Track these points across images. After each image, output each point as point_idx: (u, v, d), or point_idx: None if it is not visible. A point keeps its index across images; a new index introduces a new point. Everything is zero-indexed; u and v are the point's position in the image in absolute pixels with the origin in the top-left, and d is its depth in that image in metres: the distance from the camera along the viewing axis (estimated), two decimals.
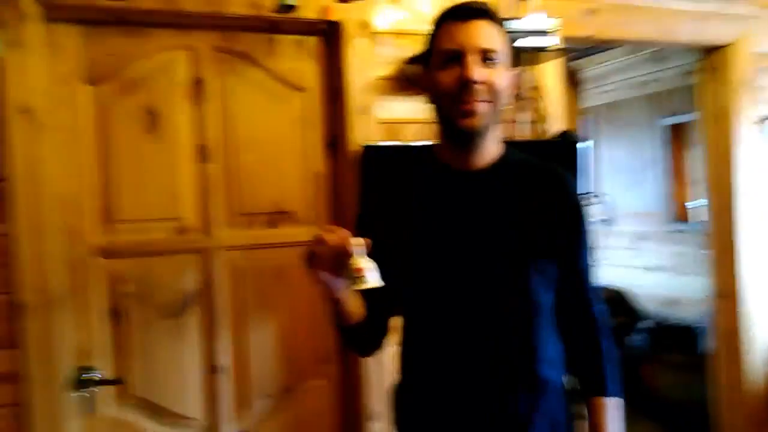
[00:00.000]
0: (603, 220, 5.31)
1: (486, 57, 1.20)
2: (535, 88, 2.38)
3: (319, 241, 1.10)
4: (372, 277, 1.08)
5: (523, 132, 2.34)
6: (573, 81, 3.35)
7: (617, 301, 5.00)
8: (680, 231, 4.70)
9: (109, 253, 1.88)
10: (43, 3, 1.73)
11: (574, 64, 4.53)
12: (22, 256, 1.69)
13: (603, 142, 5.43)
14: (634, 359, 4.34)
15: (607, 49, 4.63)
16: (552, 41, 2.08)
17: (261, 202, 2.07)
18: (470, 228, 1.26)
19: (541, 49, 2.12)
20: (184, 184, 1.98)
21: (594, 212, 5.33)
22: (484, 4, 1.25)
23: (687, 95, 3.87)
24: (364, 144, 2.03)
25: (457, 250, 1.26)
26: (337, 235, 1.10)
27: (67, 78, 1.84)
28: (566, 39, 2.36)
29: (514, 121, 2.33)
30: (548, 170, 1.34)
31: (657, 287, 4.89)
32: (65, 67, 1.84)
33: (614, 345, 1.38)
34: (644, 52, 4.67)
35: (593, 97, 5.36)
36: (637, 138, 5.09)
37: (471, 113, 1.19)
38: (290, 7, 1.77)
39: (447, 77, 1.20)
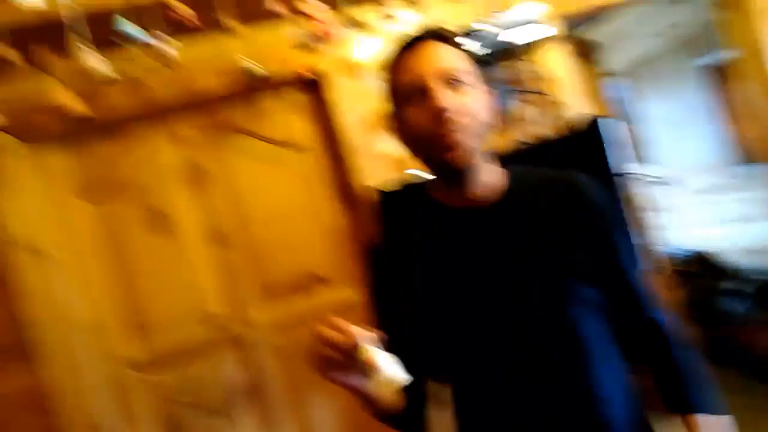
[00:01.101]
0: (663, 181, 4.98)
1: (451, 79, 1.05)
2: (542, 79, 2.19)
3: (322, 340, 0.96)
4: (392, 373, 0.93)
5: (540, 129, 2.16)
6: (585, 50, 3.12)
7: (701, 263, 4.64)
8: (749, 174, 4.33)
9: (147, 365, 1.84)
10: (18, 133, 1.70)
11: (582, 30, 4.27)
12: (62, 397, 1.64)
13: (645, 100, 5.11)
14: (736, 322, 3.99)
15: (615, 7, 4.35)
16: (548, 31, 1.91)
17: (287, 272, 1.98)
18: (489, 273, 1.11)
19: (538, 41, 1.96)
20: (205, 275, 1.91)
21: (651, 174, 5.01)
22: (434, 26, 1.11)
23: (722, 30, 3.57)
24: (379, 189, 1.90)
25: (481, 300, 1.10)
26: (341, 331, 0.96)
27: (64, 199, 1.82)
28: (565, 18, 2.19)
29: (524, 120, 2.15)
30: (563, 182, 1.16)
31: (739, 239, 4.51)
32: (60, 189, 1.82)
33: (693, 353, 1.18)
34: None
35: (618, 58, 5.06)
36: (677, 87, 4.76)
37: (452, 146, 1.04)
38: (254, 75, 1.67)
39: (415, 114, 1.05)
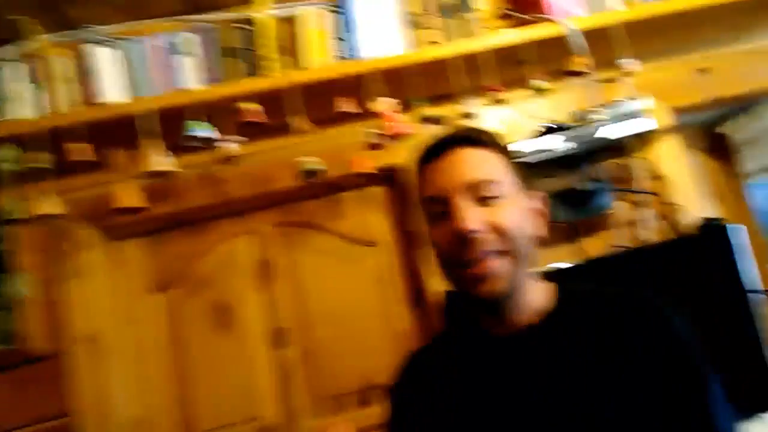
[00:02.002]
0: None
1: (480, 194, 0.90)
2: (655, 178, 1.94)
3: None
4: None
5: (650, 234, 1.89)
6: (722, 149, 2.81)
7: None
8: None
9: None
10: (102, 227, 1.77)
11: (725, 127, 3.85)
12: None
13: None
14: None
15: (762, 100, 3.91)
16: (649, 123, 1.70)
17: (347, 379, 1.84)
18: (521, 410, 0.91)
19: (641, 134, 1.75)
20: (261, 376, 1.83)
21: None
22: (466, 128, 0.98)
23: None
24: (448, 291, 1.74)
25: None
26: None
27: (133, 293, 1.84)
28: (678, 110, 1.96)
29: (634, 224, 1.90)
30: (629, 304, 0.92)
31: None
32: (131, 283, 1.84)
33: None
34: None
35: (765, 155, 4.51)
36: None
37: (482, 277, 0.89)
38: (313, 173, 1.62)
39: (439, 234, 0.92)
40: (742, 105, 3.78)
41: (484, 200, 0.90)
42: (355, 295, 1.90)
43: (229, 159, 1.63)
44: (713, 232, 1.75)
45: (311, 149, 1.69)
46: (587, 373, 0.87)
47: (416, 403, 1.02)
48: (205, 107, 1.62)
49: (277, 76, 1.64)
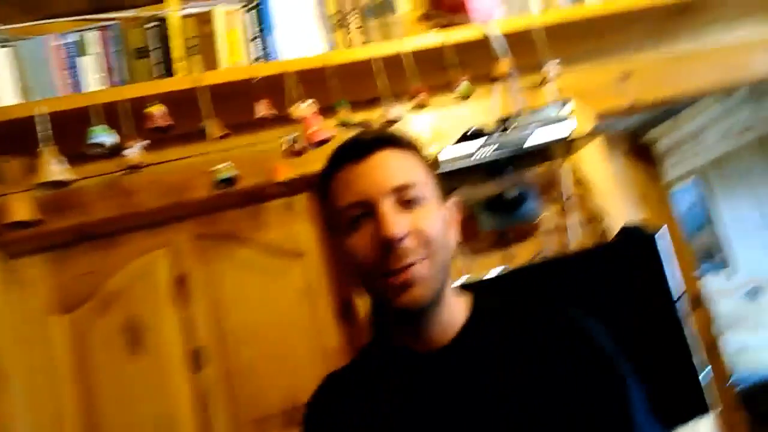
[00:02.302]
0: (744, 293, 4.45)
1: (404, 198, 0.84)
2: (580, 183, 1.94)
3: None
4: None
5: (577, 240, 1.88)
6: (646, 155, 2.87)
7: None
8: None
9: None
10: None
11: (650, 134, 3.99)
12: None
13: (721, 204, 4.69)
14: None
15: (687, 107, 4.06)
16: (570, 126, 1.69)
17: (272, 400, 1.73)
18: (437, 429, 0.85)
19: (565, 139, 1.73)
20: (178, 402, 1.70)
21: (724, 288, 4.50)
22: (384, 130, 0.92)
23: None
24: (373, 304, 1.67)
25: None
26: None
27: (33, 315, 1.68)
28: (600, 115, 1.97)
29: (565, 230, 1.89)
30: (547, 317, 0.89)
31: None
32: (31, 304, 1.69)
33: None
34: (738, 93, 4.04)
35: (692, 160, 4.70)
36: (756, 189, 4.33)
37: (406, 285, 0.83)
38: (229, 181, 1.52)
39: (360, 242, 0.85)
40: (664, 111, 3.92)
41: (407, 205, 0.84)
42: (280, 310, 1.80)
43: (138, 167, 1.51)
44: (639, 237, 1.75)
45: (229, 156, 1.59)
46: (508, 388, 0.83)
47: (334, 429, 0.95)
48: (110, 111, 1.49)
49: (188, 78, 1.54)
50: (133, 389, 1.68)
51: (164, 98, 1.49)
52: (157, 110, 1.46)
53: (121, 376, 1.68)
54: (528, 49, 1.73)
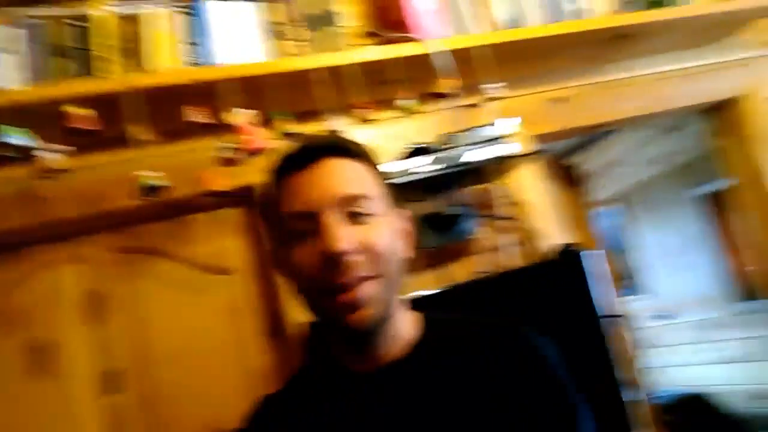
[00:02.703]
0: (659, 316, 4.66)
1: (351, 210, 0.79)
2: (515, 204, 1.95)
3: None
4: None
5: (511, 259, 1.89)
6: (574, 177, 2.96)
7: (699, 407, 4.19)
8: (749, 312, 4.00)
9: None
10: None
11: (576, 158, 4.15)
12: None
13: (637, 229, 4.90)
14: None
15: (610, 134, 4.24)
16: (513, 148, 1.70)
17: (195, 427, 1.62)
18: None
19: (503, 159, 1.74)
20: (88, 428, 1.56)
21: (640, 313, 4.70)
22: (333, 137, 0.87)
23: (715, 159, 3.42)
24: (311, 322, 1.60)
25: None
26: None
27: None
28: (537, 138, 1.99)
29: (497, 250, 1.89)
30: (498, 334, 0.86)
31: (739, 381, 4.11)
32: None
33: None
34: (658, 123, 4.25)
35: (612, 185, 4.91)
36: (673, 216, 4.56)
37: (353, 305, 0.77)
38: (155, 190, 1.42)
39: (305, 255, 0.79)
40: (591, 137, 4.08)
41: (355, 218, 0.79)
42: (206, 329, 1.70)
43: (52, 172, 1.38)
44: (569, 257, 1.77)
45: (155, 164, 1.47)
46: (457, 406, 0.80)
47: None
48: (25, 111, 1.37)
49: (114, 79, 1.43)
50: (36, 415, 1.52)
51: (87, 100, 1.38)
52: (80, 111, 1.35)
53: (25, 400, 1.53)
54: (468, 69, 1.73)
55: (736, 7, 2.02)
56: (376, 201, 0.82)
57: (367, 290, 0.78)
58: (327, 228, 0.77)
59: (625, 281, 4.99)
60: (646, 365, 2.71)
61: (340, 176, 0.80)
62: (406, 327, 0.87)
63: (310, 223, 0.78)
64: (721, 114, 2.33)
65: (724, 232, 4.21)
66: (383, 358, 0.84)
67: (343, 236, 0.76)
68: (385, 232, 0.81)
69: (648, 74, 2.19)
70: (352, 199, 0.79)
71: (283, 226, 0.82)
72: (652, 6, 1.96)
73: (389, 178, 0.92)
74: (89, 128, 1.37)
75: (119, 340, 1.63)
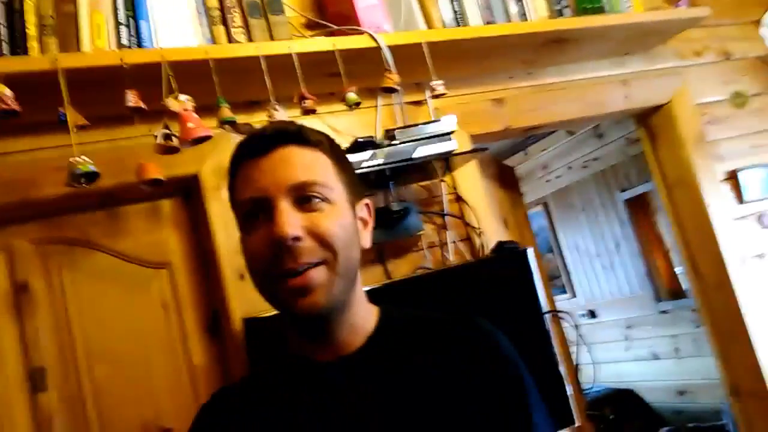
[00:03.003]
0: (582, 315, 4.84)
1: (302, 196, 0.80)
2: (459, 200, 1.97)
3: None
4: None
5: (455, 255, 1.90)
6: (509, 180, 3.04)
7: (626, 402, 4.39)
8: (672, 309, 4.22)
9: None
10: None
11: (509, 161, 4.27)
12: None
13: (563, 231, 5.08)
14: None
15: (540, 139, 4.38)
16: (451, 145, 1.71)
17: (129, 425, 1.55)
18: None
19: (447, 155, 1.75)
20: (16, 429, 1.46)
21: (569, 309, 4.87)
22: (292, 124, 0.86)
23: (640, 164, 3.58)
24: (245, 317, 1.56)
25: None
26: None
27: None
28: (476, 137, 2.02)
29: (444, 245, 1.90)
30: (454, 326, 0.89)
31: (662, 377, 4.33)
32: None
33: None
34: (582, 131, 4.42)
35: (541, 188, 5.07)
36: (597, 219, 4.75)
37: (302, 290, 0.78)
38: (87, 177, 1.33)
39: (256, 241, 0.80)
40: (526, 140, 4.19)
41: (306, 204, 0.80)
42: (140, 324, 1.62)
43: None
44: (511, 255, 1.81)
45: (85, 150, 1.38)
46: (415, 397, 0.81)
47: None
48: None
49: (45, 58, 1.35)
50: None
51: (12, 80, 1.28)
52: (5, 91, 1.26)
53: None
54: (412, 66, 1.73)
55: (667, 17, 2.12)
56: (333, 190, 0.83)
57: (316, 276, 0.78)
58: (276, 214, 0.77)
59: (552, 281, 5.15)
60: (578, 362, 2.80)
61: (293, 163, 0.81)
62: (365, 317, 0.88)
63: (262, 210, 0.79)
64: (650, 119, 2.44)
65: (647, 234, 4.42)
66: (343, 348, 0.85)
67: (291, 222, 0.77)
68: (336, 220, 0.81)
69: (582, 79, 2.27)
70: (304, 186, 0.80)
71: (238, 213, 0.84)
72: (586, 12, 2.03)
73: (355, 168, 0.92)
74: (9, 108, 1.27)
75: (47, 336, 1.53)
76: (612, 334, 4.76)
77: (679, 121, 2.35)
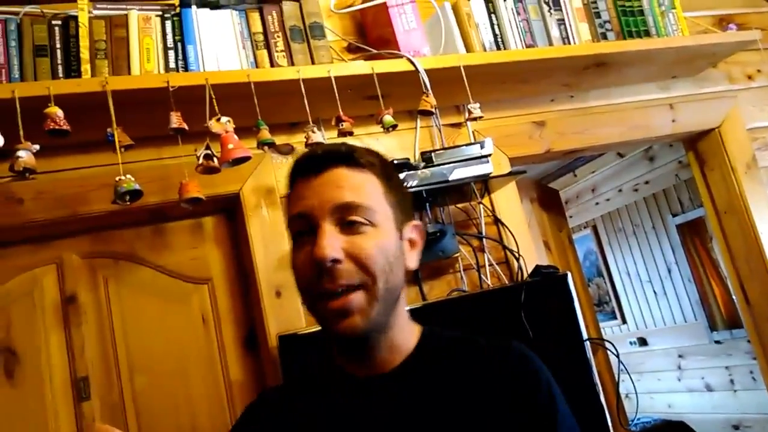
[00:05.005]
0: (633, 342, 4.69)
1: (346, 218, 0.82)
2: (497, 222, 1.96)
3: None
4: None
5: (492, 279, 1.89)
6: (553, 202, 3.00)
7: None
8: (725, 340, 4.05)
9: None
10: None
11: (555, 183, 4.21)
12: None
13: (612, 255, 4.95)
14: None
15: (589, 161, 4.30)
16: (488, 167, 1.71)
17: None
18: None
19: (483, 178, 1.75)
20: None
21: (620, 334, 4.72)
22: (344, 145, 0.89)
23: (693, 188, 3.47)
24: (280, 334, 1.58)
25: None
26: None
27: None
28: (516, 160, 2.01)
29: (481, 267, 1.89)
30: (496, 351, 0.88)
31: (717, 410, 4.14)
32: None
33: None
34: (634, 153, 4.32)
35: (589, 211, 4.96)
36: (649, 244, 4.61)
37: (342, 312, 0.80)
38: (133, 195, 1.39)
39: (300, 260, 0.83)
40: (571, 163, 4.13)
41: (350, 227, 0.82)
42: (180, 338, 1.67)
43: (28, 173, 1.35)
44: (552, 279, 1.78)
45: (132, 169, 1.45)
46: (449, 419, 0.82)
47: None
48: (4, 111, 1.34)
49: (95, 81, 1.42)
50: (7, 421, 1.48)
51: (65, 101, 1.36)
52: (56, 112, 1.33)
53: None
54: (451, 88, 1.74)
55: (715, 41, 2.07)
56: (375, 211, 0.84)
57: (355, 300, 0.80)
58: (318, 234, 0.79)
59: (601, 307, 5.03)
60: (626, 391, 2.72)
61: (340, 185, 0.83)
62: (407, 337, 0.89)
63: (309, 228, 0.82)
64: (699, 144, 2.38)
65: (701, 261, 4.27)
66: (382, 366, 0.86)
67: (332, 243, 0.79)
68: (378, 243, 0.82)
69: (627, 102, 2.23)
70: (348, 208, 0.81)
71: (289, 228, 0.88)
72: (631, 36, 2.01)
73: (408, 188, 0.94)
74: (62, 128, 1.34)
75: (92, 346, 1.60)
76: (663, 363, 4.59)
77: (730, 146, 2.28)
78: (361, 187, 0.83)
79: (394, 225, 0.86)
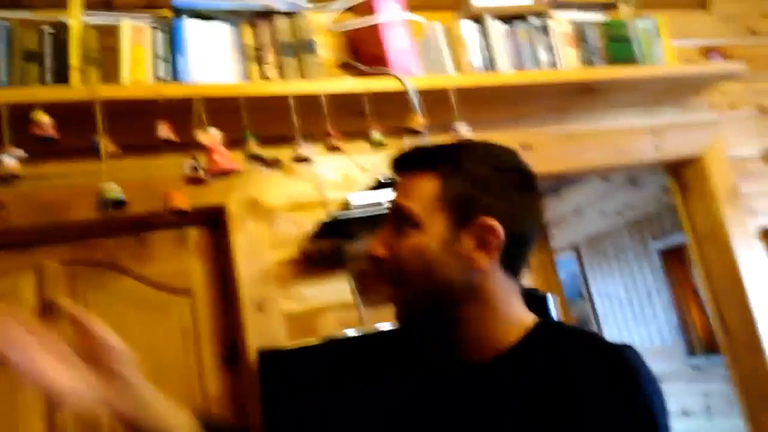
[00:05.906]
0: None
1: (399, 221, 0.87)
2: None
3: None
4: None
5: None
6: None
7: None
8: (703, 365, 4.08)
9: None
10: None
11: None
12: None
13: (594, 277, 4.98)
14: None
15: (574, 182, 4.35)
16: None
17: None
18: None
19: None
20: None
21: None
22: (423, 147, 0.91)
23: (675, 214, 3.51)
24: (260, 349, 1.57)
25: None
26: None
27: None
28: None
29: None
30: (601, 357, 0.81)
31: None
32: None
33: None
34: (617, 177, 4.37)
35: (572, 233, 5.00)
36: (630, 268, 4.65)
37: (391, 300, 0.89)
38: (116, 204, 1.38)
39: None
40: (553, 186, 4.17)
41: (400, 229, 0.86)
42: (157, 350, 1.65)
43: (8, 178, 1.34)
44: (534, 299, 1.78)
45: (117, 178, 1.44)
46: (526, 419, 0.78)
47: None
48: None
49: (84, 88, 1.42)
50: None
51: (53, 107, 1.35)
52: (44, 118, 1.32)
53: None
54: (440, 108, 1.75)
55: (700, 71, 2.11)
56: (421, 214, 0.84)
57: (395, 294, 0.87)
58: (377, 232, 0.88)
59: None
60: None
61: (402, 189, 0.88)
62: (503, 331, 0.86)
63: None
64: (682, 171, 2.41)
65: (681, 286, 4.31)
66: (471, 358, 0.87)
67: (378, 244, 0.87)
68: (417, 244, 0.84)
69: (612, 127, 2.26)
70: (399, 212, 0.86)
71: None
72: (617, 62, 2.04)
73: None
74: (48, 135, 1.33)
75: None
76: None
77: (711, 174, 2.31)
78: (413, 191, 0.86)
79: (446, 226, 0.84)
